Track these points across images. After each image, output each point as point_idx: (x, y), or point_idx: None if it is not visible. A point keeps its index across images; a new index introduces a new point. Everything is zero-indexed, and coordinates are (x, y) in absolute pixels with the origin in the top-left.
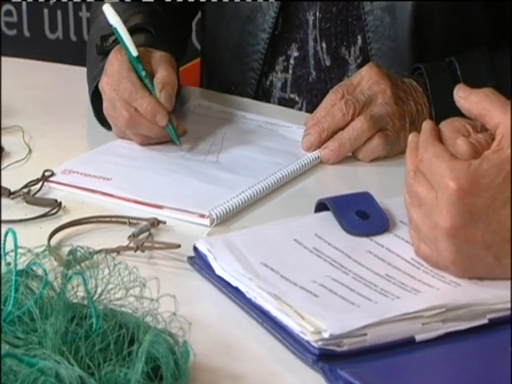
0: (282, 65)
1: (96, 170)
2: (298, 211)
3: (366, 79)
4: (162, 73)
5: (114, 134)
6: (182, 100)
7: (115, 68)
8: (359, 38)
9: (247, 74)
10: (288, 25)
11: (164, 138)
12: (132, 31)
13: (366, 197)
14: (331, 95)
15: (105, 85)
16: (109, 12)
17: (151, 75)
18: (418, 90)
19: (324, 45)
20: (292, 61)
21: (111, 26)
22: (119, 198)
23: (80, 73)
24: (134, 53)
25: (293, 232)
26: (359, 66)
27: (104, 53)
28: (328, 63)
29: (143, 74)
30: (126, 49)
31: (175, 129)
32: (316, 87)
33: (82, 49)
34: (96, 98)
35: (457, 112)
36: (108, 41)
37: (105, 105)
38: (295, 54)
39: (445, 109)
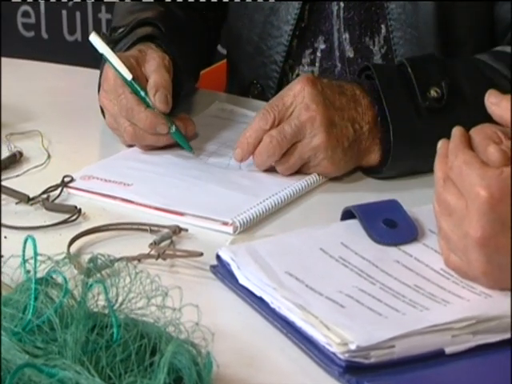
0: (308, 58)
1: (116, 175)
2: (323, 219)
3: (298, 101)
4: (154, 77)
5: None
6: (198, 103)
7: (111, 84)
8: (383, 26)
9: (269, 67)
10: (314, 16)
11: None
12: (139, 25)
13: (393, 205)
14: (261, 118)
15: (104, 100)
16: (96, 41)
17: (146, 80)
18: (361, 103)
19: (347, 35)
20: (319, 53)
21: (102, 54)
22: (140, 204)
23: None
24: (128, 76)
25: (318, 240)
26: (384, 56)
27: (113, 42)
28: (351, 55)
29: (142, 94)
30: (120, 75)
31: (183, 135)
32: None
33: None
34: None
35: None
36: (117, 31)
37: (108, 119)
38: (322, 46)
39: (400, 112)
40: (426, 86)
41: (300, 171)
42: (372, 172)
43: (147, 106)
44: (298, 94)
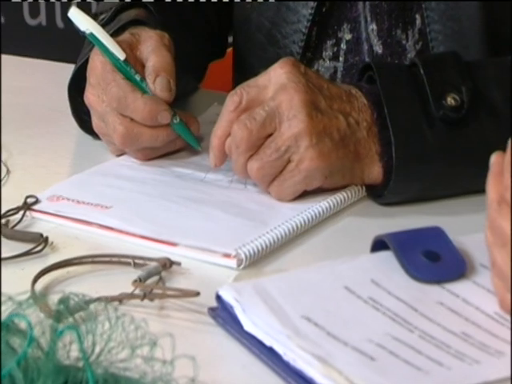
0: (330, 50)
1: (92, 195)
2: (348, 250)
3: (274, 82)
4: (153, 59)
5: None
6: (196, 106)
7: (98, 74)
8: (418, 17)
9: None
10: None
11: (174, 146)
12: (124, 8)
13: (436, 233)
14: (229, 101)
15: (91, 97)
16: (77, 15)
17: (142, 65)
18: (356, 98)
19: (374, 26)
20: (343, 45)
21: (83, 32)
22: (122, 232)
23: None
24: (121, 56)
25: (343, 277)
26: (419, 53)
27: None
28: (380, 50)
29: (137, 78)
30: (110, 54)
31: (188, 127)
32: None
33: (72, 38)
34: (76, 95)
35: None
36: (98, 17)
37: (95, 121)
38: (347, 36)
39: (405, 121)
40: (442, 91)
41: (282, 179)
42: (374, 195)
43: (144, 92)
44: (274, 75)
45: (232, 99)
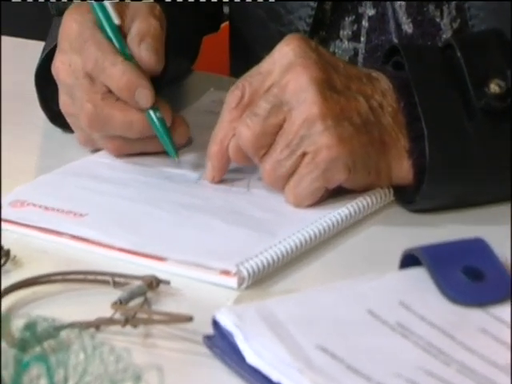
0: (349, 29)
1: (63, 200)
2: (371, 267)
3: (279, 63)
4: (139, 24)
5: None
6: (189, 92)
7: (73, 36)
8: None
9: None
10: None
11: (154, 147)
12: None
13: (478, 246)
14: (229, 97)
15: (60, 65)
16: None
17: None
18: (379, 82)
19: (402, 1)
20: (365, 23)
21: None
22: (98, 244)
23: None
24: (116, 20)
25: (365, 299)
26: (456, 33)
27: (64, 12)
28: (409, 30)
29: (128, 52)
30: (104, 18)
31: (167, 127)
32: None
33: (38, 9)
34: (44, 84)
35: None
36: None
37: (62, 98)
38: (370, 12)
39: (440, 113)
40: (484, 76)
41: (298, 177)
42: (403, 200)
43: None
44: (280, 55)
45: (233, 94)
